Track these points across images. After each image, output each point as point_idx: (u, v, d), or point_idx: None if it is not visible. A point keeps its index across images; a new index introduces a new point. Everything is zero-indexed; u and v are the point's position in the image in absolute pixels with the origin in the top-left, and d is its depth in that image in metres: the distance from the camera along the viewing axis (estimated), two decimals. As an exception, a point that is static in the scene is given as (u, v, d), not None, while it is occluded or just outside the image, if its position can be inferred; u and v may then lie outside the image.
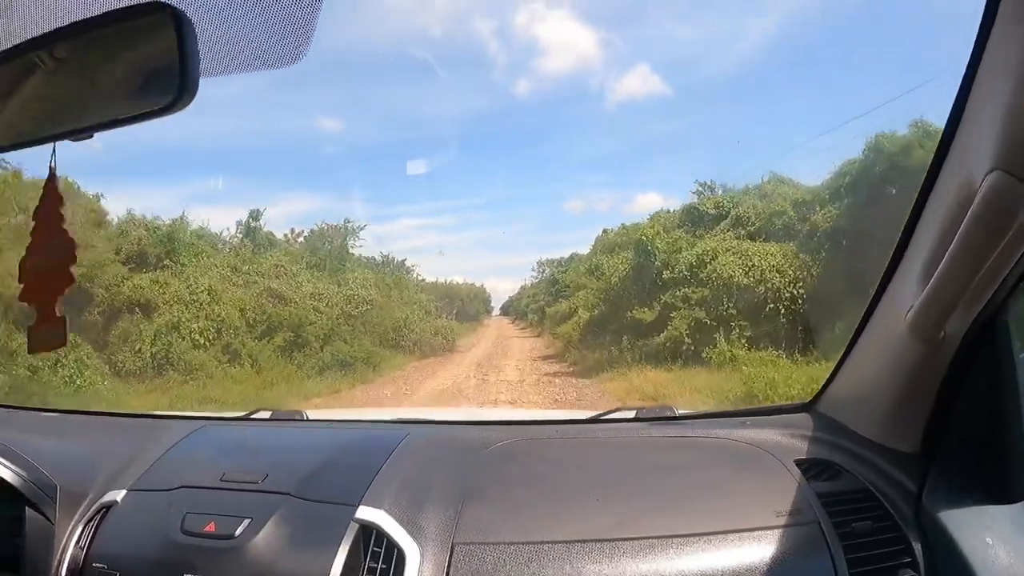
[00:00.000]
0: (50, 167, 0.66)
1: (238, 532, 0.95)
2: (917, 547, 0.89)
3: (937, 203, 0.80)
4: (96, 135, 0.62)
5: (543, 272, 24.32)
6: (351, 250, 14.74)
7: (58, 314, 0.66)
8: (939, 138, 0.77)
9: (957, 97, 0.72)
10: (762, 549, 0.88)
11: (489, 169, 17.73)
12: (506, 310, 24.92)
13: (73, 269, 0.68)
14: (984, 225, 0.68)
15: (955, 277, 0.74)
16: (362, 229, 14.75)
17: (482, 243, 21.31)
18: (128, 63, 0.62)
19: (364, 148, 14.67)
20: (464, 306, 23.08)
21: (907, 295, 0.85)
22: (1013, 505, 0.89)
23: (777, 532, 0.90)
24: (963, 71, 0.70)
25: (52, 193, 0.67)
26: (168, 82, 0.57)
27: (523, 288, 22.44)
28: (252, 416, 1.51)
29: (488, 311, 24.19)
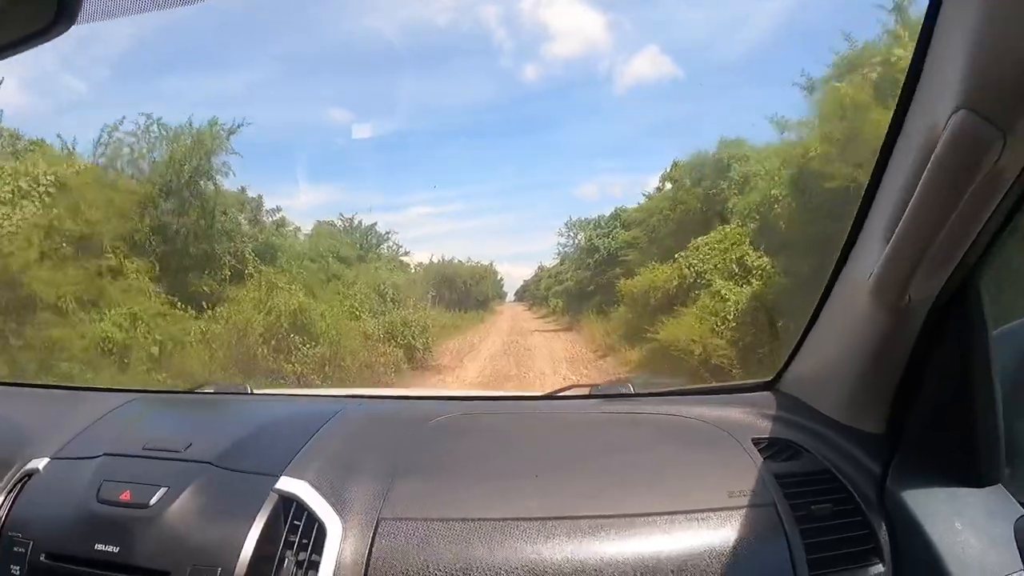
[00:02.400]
0: None
1: (153, 501, 0.87)
2: (881, 532, 0.81)
3: (901, 152, 0.72)
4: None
5: (574, 238, 16.49)
6: (217, 176, 7.02)
7: None
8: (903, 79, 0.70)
9: (922, 30, 0.65)
10: (713, 531, 0.80)
11: (499, 156, 17.05)
12: (521, 295, 22.33)
13: None
14: (948, 171, 0.61)
15: (918, 232, 0.67)
16: (233, 133, 7.01)
17: (493, 230, 19.80)
18: None
19: (373, 138, 13.86)
20: (469, 290, 19.04)
21: (870, 258, 0.77)
22: (984, 489, 0.81)
23: (730, 513, 0.81)
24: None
25: None
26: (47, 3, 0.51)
27: (540, 269, 19.58)
28: (195, 391, 1.41)
29: (500, 296, 21.49)
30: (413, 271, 16.28)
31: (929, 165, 0.62)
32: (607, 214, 15.70)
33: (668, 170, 12.81)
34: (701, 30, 13.41)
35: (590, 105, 15.46)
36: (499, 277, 20.27)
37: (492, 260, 19.85)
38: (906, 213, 0.67)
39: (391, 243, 17.11)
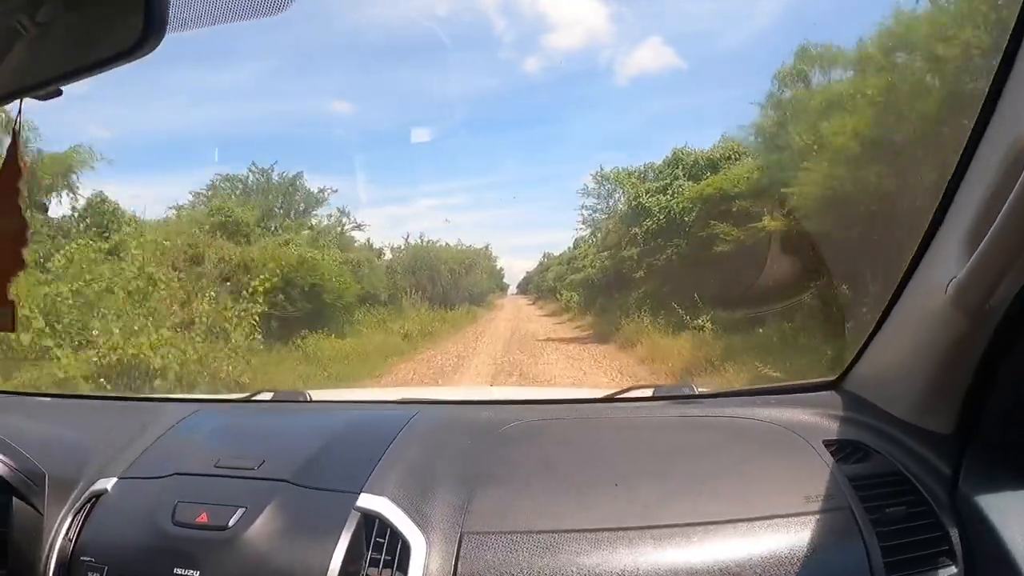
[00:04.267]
0: (14, 130, 0.60)
1: (231, 523, 0.83)
2: (953, 534, 0.79)
3: (985, 161, 0.72)
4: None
5: (607, 199, 10.89)
6: None
7: (9, 297, 0.60)
8: (987, 87, 0.71)
9: (1009, 40, 0.66)
10: (792, 536, 0.77)
11: (501, 149, 16.53)
12: (524, 288, 20.53)
13: (25, 252, 0.61)
14: None
15: (1007, 243, 0.66)
16: None
17: (495, 222, 18.29)
18: (89, 4, 0.52)
19: (375, 130, 13.36)
20: (456, 280, 15.02)
21: (949, 264, 0.75)
22: None
23: (808, 518, 0.79)
24: (1016, 12, 0.64)
25: (15, 161, 0.61)
26: (133, 22, 0.49)
27: (545, 258, 17.62)
28: (252, 398, 1.35)
29: (502, 288, 19.28)
30: (386, 254, 12.43)
31: (1021, 178, 0.61)
32: (658, 160, 10.16)
33: (784, 67, 7.26)
34: (704, 20, 13.12)
35: (592, 97, 15.52)
36: (499, 267, 17.37)
37: (488, 243, 16.48)
38: (995, 224, 0.65)
39: (334, 210, 11.53)
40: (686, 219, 8.69)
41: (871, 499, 0.81)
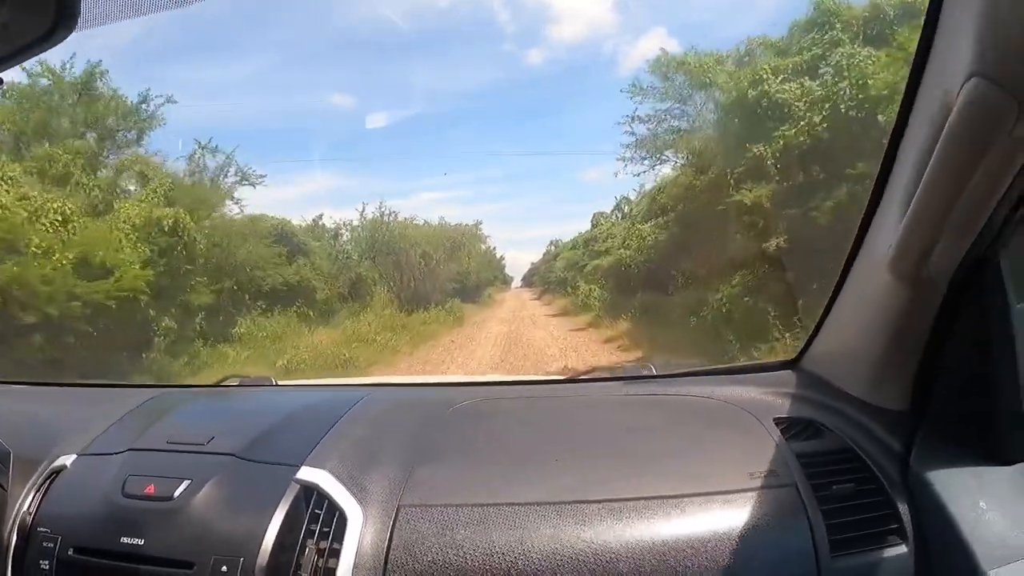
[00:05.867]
0: None
1: (176, 494, 0.88)
2: (904, 511, 0.79)
3: (916, 123, 0.71)
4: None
5: (680, 102, 5.98)
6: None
7: None
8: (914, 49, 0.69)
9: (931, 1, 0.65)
10: (733, 513, 0.79)
11: (505, 142, 15.52)
12: (529, 280, 18.26)
13: None
14: (963, 140, 0.59)
15: (934, 204, 0.66)
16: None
17: (498, 216, 18.31)
18: None
19: (378, 125, 13.30)
20: (433, 269, 10.95)
21: (889, 232, 0.75)
22: (1009, 467, 0.78)
23: (750, 495, 0.80)
24: None
25: None
26: (44, 14, 0.50)
27: (553, 246, 14.73)
28: (220, 384, 1.43)
29: (505, 280, 17.11)
30: (344, 235, 9.44)
31: (943, 135, 0.60)
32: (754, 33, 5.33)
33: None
34: (708, 10, 12.58)
35: (595, 88, 14.68)
36: (499, 255, 15.21)
37: (479, 220, 12.51)
38: (921, 184, 0.65)
39: (194, 142, 6.95)
40: (881, 116, 3.93)
41: (819, 476, 0.80)
